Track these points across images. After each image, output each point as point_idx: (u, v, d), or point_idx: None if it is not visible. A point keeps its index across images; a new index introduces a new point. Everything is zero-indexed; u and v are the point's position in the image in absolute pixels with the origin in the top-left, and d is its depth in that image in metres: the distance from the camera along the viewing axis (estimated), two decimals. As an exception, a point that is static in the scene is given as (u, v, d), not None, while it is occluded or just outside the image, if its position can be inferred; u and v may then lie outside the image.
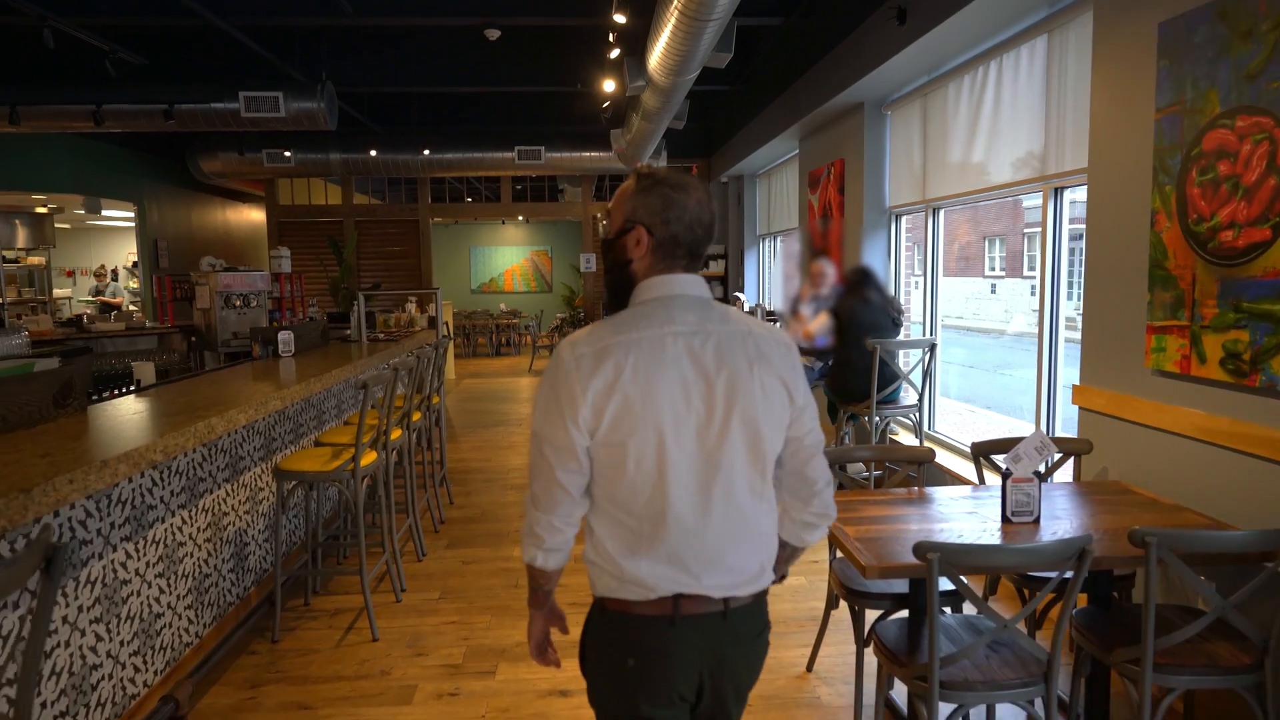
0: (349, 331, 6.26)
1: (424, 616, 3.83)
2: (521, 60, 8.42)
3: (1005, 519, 2.55)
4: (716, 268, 11.06)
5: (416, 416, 4.79)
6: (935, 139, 5.35)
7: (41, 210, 10.19)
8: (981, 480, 3.23)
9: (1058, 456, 3.13)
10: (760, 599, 1.53)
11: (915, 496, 2.90)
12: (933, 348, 4.89)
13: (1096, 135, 3.32)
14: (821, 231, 7.13)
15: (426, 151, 9.54)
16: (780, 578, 1.64)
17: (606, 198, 11.88)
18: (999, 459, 2.85)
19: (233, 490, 3.68)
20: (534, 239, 16.91)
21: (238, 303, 7.72)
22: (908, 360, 5.40)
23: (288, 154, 9.29)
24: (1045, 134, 4.07)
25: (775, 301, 9.97)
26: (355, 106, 9.47)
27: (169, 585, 3.08)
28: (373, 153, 9.46)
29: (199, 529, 3.33)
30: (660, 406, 1.38)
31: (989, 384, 14.02)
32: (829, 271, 5.91)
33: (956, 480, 4.61)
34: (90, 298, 11.38)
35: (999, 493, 2.62)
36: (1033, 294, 26.76)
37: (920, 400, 4.97)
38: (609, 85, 6.75)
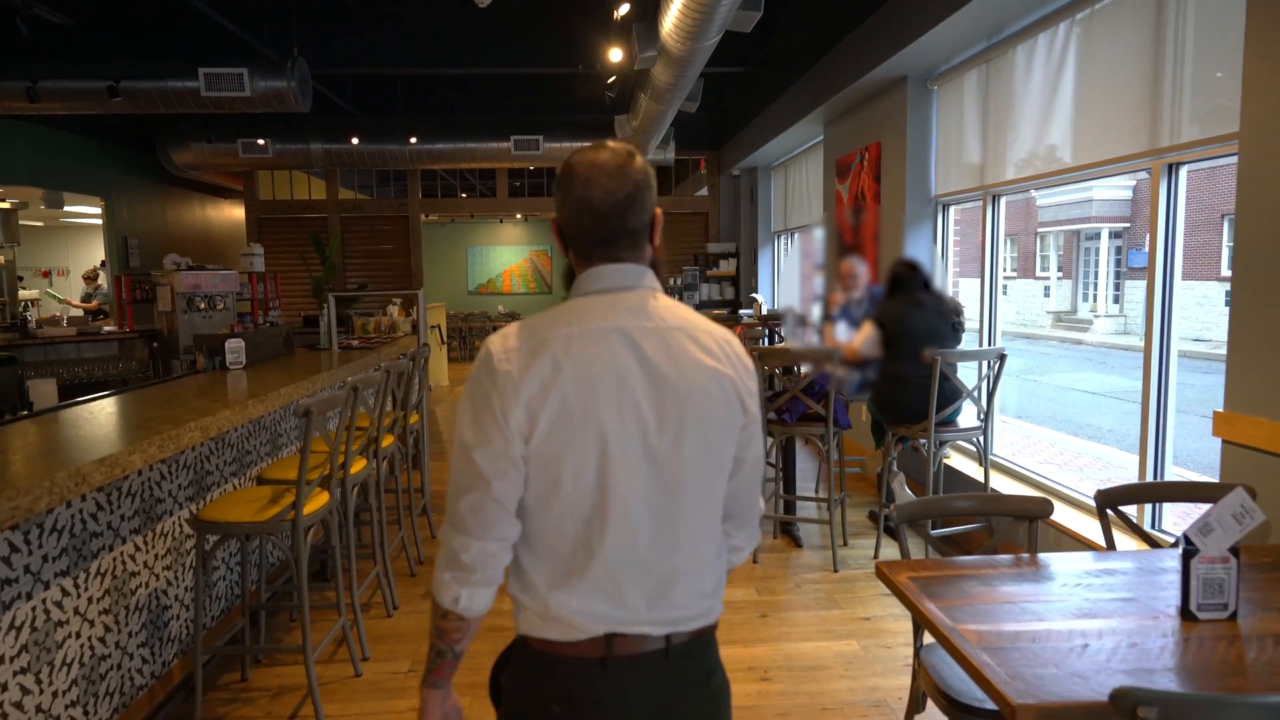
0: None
1: (388, 697, 3.07)
2: (516, 37, 7.67)
3: (1187, 612, 1.79)
4: (727, 267, 10.30)
5: (388, 441, 4.03)
6: (997, 115, 4.59)
7: (4, 205, 9.45)
8: (1110, 543, 2.47)
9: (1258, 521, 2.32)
10: (705, 635, 1.34)
11: (1029, 567, 2.16)
12: (1001, 358, 4.13)
13: (1253, 94, 2.56)
14: (852, 225, 6.36)
15: (414, 140, 8.78)
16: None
17: (610, 192, 11.12)
18: (1165, 525, 2.08)
19: (146, 543, 2.91)
20: (533, 238, 16.18)
21: (202, 305, 6.97)
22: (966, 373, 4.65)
23: (261, 141, 8.53)
24: (1155, 101, 3.31)
25: (790, 303, 9.22)
26: (338, 92, 8.72)
27: (40, 680, 2.31)
28: (354, 141, 8.70)
29: (90, 599, 2.57)
30: (603, 411, 1.22)
31: (1028, 393, 13.25)
32: (861, 271, 5.16)
33: (1058, 531, 3.84)
34: (77, 303, 10.58)
35: (1150, 566, 1.96)
36: (1046, 295, 26.03)
37: (985, 420, 4.20)
38: (616, 55, 5.99)
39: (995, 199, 4.76)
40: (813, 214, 8.08)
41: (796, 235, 9.13)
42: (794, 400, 4.35)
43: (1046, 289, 25.56)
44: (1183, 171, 3.27)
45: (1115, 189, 20.80)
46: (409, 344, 6.53)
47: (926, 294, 4.23)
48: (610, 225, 1.27)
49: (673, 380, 1.24)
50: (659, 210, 1.34)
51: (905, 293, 4.24)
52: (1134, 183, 20.71)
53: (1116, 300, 22.18)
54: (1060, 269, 24.51)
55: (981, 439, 4.21)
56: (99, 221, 9.73)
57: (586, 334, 1.24)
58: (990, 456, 4.43)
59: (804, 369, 4.49)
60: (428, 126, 9.11)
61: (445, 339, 11.69)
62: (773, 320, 7.16)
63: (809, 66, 6.66)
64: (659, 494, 1.25)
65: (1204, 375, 13.74)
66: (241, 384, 3.74)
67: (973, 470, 4.68)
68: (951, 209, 5.43)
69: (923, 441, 4.14)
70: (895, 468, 4.52)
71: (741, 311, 8.68)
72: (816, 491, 5.73)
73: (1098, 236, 21.60)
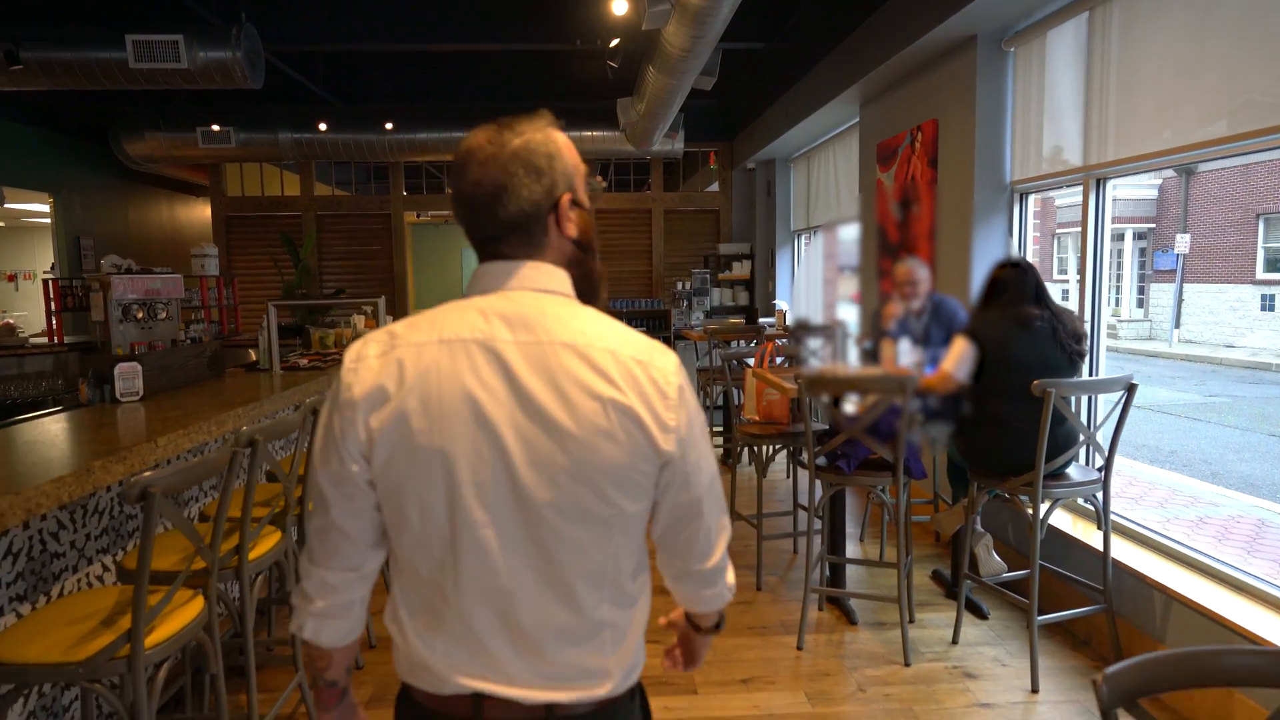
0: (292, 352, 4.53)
1: None
2: (506, 7, 6.70)
3: None
4: (741, 270, 9.32)
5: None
6: (1112, 76, 3.61)
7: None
8: None
9: None
10: (607, 712, 1.13)
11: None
12: (1129, 390, 3.14)
13: None
14: (900, 219, 5.38)
15: (390, 126, 7.80)
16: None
17: (612, 188, 10.15)
18: None
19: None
20: (531, 239, 15.23)
21: (140, 314, 6.00)
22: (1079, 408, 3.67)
23: (216, 128, 7.56)
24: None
25: (812, 310, 8.24)
26: (309, 75, 7.76)
27: None
28: (322, 127, 7.73)
29: None
30: (452, 440, 1.04)
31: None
32: (923, 276, 4.19)
33: (1210, 620, 2.87)
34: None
35: None
36: (1065, 299, 25.06)
37: (1106, 471, 3.22)
38: (620, 6, 5.01)
39: (1101, 184, 3.78)
40: (841, 210, 7.10)
41: (821, 234, 8.14)
42: (851, 443, 3.37)
43: (1065, 292, 24.62)
44: None
45: (1140, 188, 19.82)
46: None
47: (1040, 308, 3.24)
48: (484, 217, 1.10)
49: (548, 409, 1.04)
50: (566, 195, 1.12)
51: (1011, 304, 3.25)
52: (1159, 181, 19.74)
53: (1140, 304, 21.26)
54: (1079, 272, 23.53)
55: (1100, 496, 3.22)
56: (48, 220, 8.77)
57: (443, 345, 1.07)
58: (1117, 517, 3.45)
59: (862, 402, 3.50)
60: (409, 113, 8.15)
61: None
62: (800, 330, 6.18)
63: (843, 36, 5.69)
64: (530, 543, 1.07)
65: (1251, 386, 12.73)
66: (114, 427, 2.76)
67: (1074, 526, 3.69)
68: (1031, 198, 4.45)
69: (1027, 499, 3.15)
70: (979, 527, 3.53)
71: (763, 320, 7.71)
72: (861, 542, 4.75)
73: (1122, 238, 20.60)
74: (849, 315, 6.32)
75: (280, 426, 2.54)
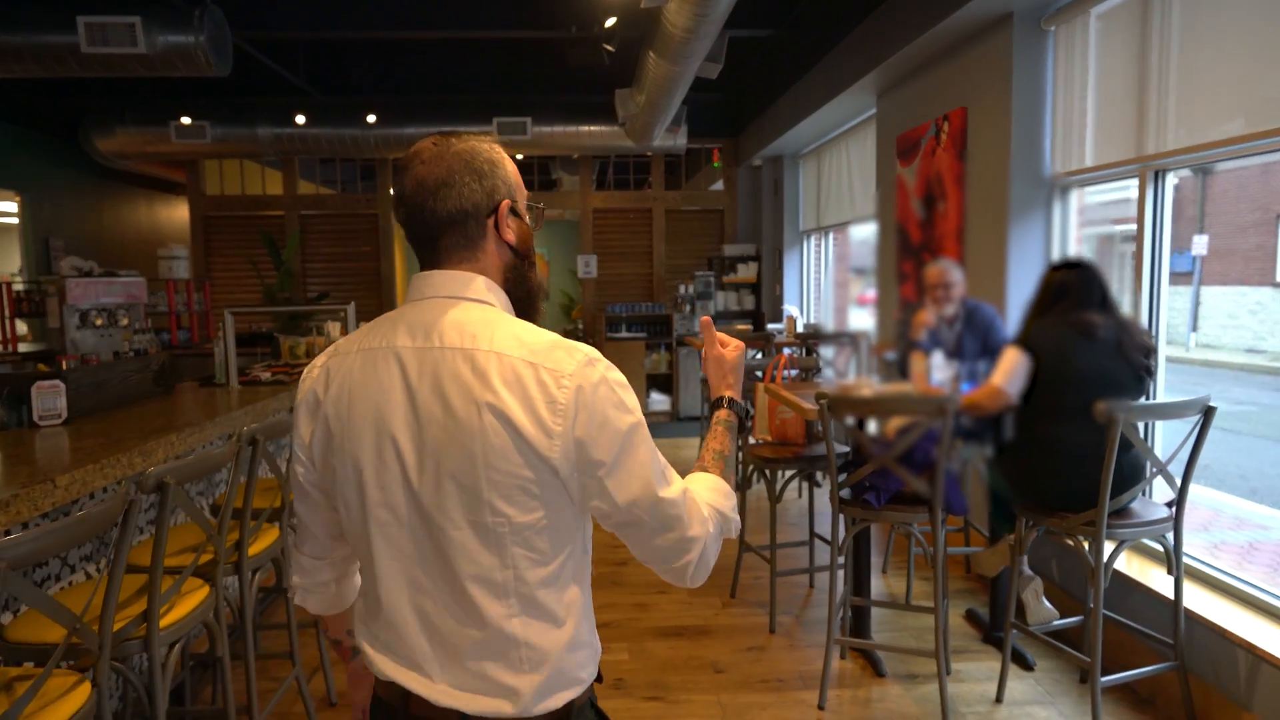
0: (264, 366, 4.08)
1: None
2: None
3: None
4: (746, 273, 8.88)
5: (260, 546, 2.62)
6: (1171, 52, 3.17)
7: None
8: None
9: None
10: None
11: None
12: (1205, 413, 2.69)
13: None
14: (923, 218, 4.94)
15: (372, 118, 7.36)
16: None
17: (611, 187, 9.71)
18: None
19: None
20: (528, 240, 14.82)
21: (98, 321, 5.56)
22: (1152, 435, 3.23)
23: (187, 121, 7.11)
24: None
25: (824, 316, 7.79)
26: (288, 66, 7.33)
27: None
28: (300, 120, 7.27)
29: None
30: (359, 443, 1.11)
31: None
32: (957, 279, 3.75)
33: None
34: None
35: None
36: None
37: (1178, 508, 2.77)
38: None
39: (1160, 176, 3.33)
40: (855, 208, 6.66)
41: (832, 234, 7.70)
42: (881, 472, 2.92)
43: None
44: None
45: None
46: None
47: (1104, 316, 2.79)
48: (419, 217, 1.14)
49: (434, 415, 1.07)
50: (506, 202, 1.17)
51: (1071, 311, 2.81)
52: (1176, 181, 19.24)
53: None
54: (1135, 277, 23.00)
55: (1171, 536, 2.77)
56: (15, 220, 8.33)
57: (361, 354, 1.14)
58: (1192, 562, 3.01)
59: (894, 425, 3.06)
60: (395, 107, 7.71)
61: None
62: (813, 339, 5.74)
63: (859, 20, 5.25)
64: (428, 545, 1.10)
65: (1275, 393, 12.25)
66: (14, 461, 2.31)
67: (1130, 565, 3.24)
68: (1074, 193, 4.00)
69: (1087, 540, 2.70)
70: (1028, 569, 3.08)
71: (771, 326, 7.26)
72: (884, 573, 4.30)
73: (1134, 240, 20.09)
74: (867, 323, 5.88)
75: (203, 462, 2.09)
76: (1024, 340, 2.85)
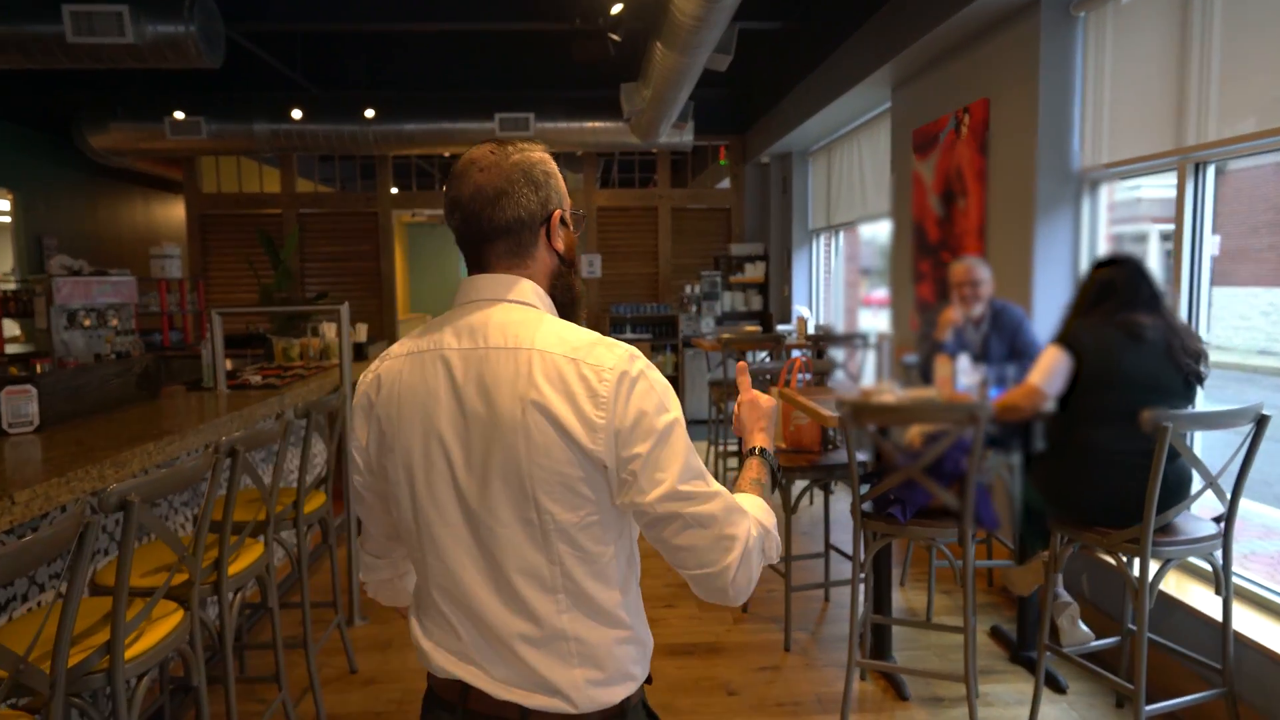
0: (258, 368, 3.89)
1: None
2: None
3: None
4: (754, 272, 8.69)
5: (245, 561, 2.44)
6: (1215, 35, 2.98)
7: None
8: None
9: None
10: None
11: None
12: (1260, 421, 2.50)
13: None
14: (942, 215, 4.74)
15: (370, 113, 7.17)
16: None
17: (616, 185, 9.52)
18: None
19: None
20: (530, 240, 14.65)
21: (86, 321, 5.39)
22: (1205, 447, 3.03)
23: (180, 116, 6.93)
24: None
25: (834, 317, 7.60)
26: (286, 60, 7.15)
27: None
28: (296, 114, 7.09)
29: None
30: (409, 442, 1.15)
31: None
32: (984, 277, 3.58)
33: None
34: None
35: None
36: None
37: (1227, 524, 2.58)
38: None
39: (1202, 169, 3.14)
40: (868, 206, 6.47)
41: (843, 233, 7.51)
42: (908, 485, 2.73)
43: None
44: None
45: (1166, 187, 19.15)
46: (359, 370, 4.92)
47: (1154, 318, 2.61)
48: (476, 224, 1.17)
49: (479, 414, 1.10)
50: (559, 211, 1.21)
51: (1119, 310, 2.63)
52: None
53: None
54: (1173, 277, 22.76)
55: (1220, 554, 2.58)
56: (8, 219, 8.16)
57: (410, 358, 1.18)
58: (1242, 582, 2.82)
59: (918, 434, 2.87)
60: (395, 102, 7.53)
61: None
62: (826, 341, 5.55)
63: (874, 10, 5.07)
64: (474, 542, 1.13)
65: (1290, 395, 12.01)
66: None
67: (1167, 582, 3.04)
68: (1104, 188, 3.81)
69: (1129, 559, 2.51)
70: (1064, 593, 2.88)
71: (781, 328, 7.07)
72: (902, 586, 4.11)
73: (1145, 239, 19.93)
74: (880, 325, 5.69)
75: (157, 486, 1.91)
76: (1065, 339, 2.66)
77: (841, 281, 7.54)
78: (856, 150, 6.68)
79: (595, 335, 1.14)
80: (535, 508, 1.09)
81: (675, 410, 1.13)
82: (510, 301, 1.17)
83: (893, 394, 3.18)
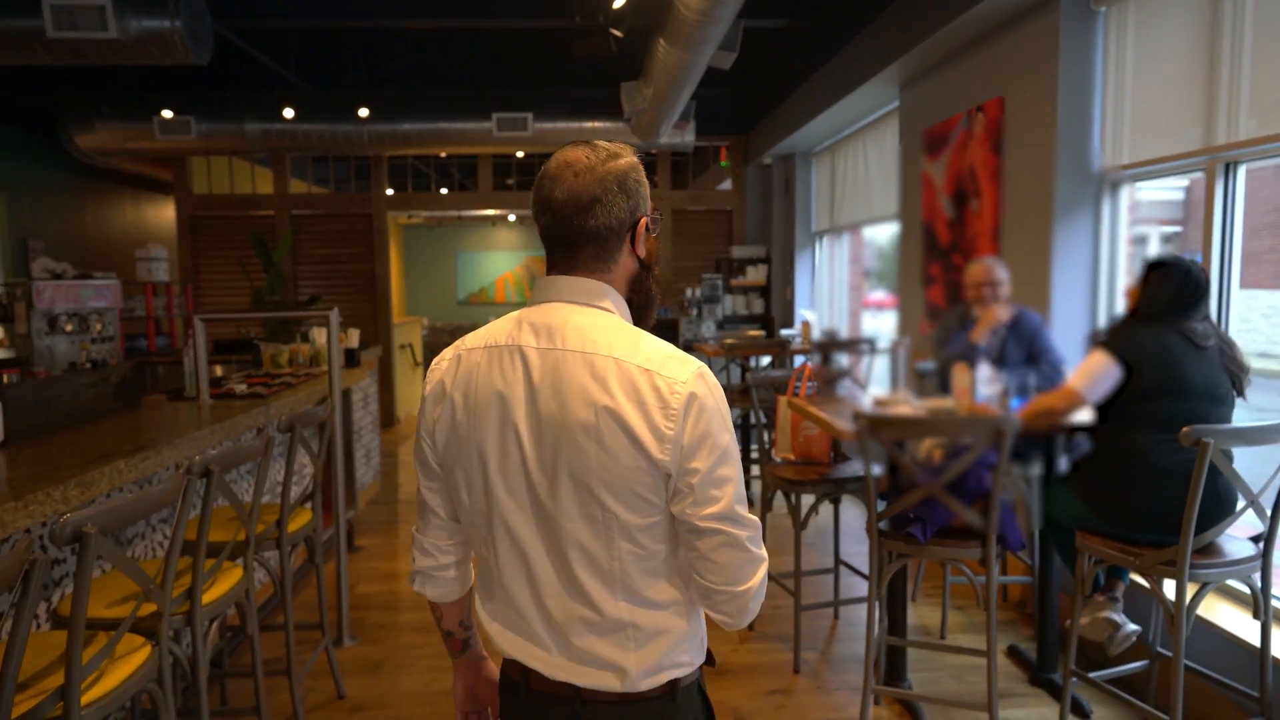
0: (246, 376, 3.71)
1: None
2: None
3: None
4: (756, 275, 8.54)
5: (222, 588, 2.28)
6: (1245, 28, 2.84)
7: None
8: None
9: None
10: (634, 707, 1.20)
11: None
12: (1304, 437, 2.35)
13: None
14: (953, 217, 4.59)
15: (364, 112, 7.01)
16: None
17: (614, 186, 9.33)
18: None
19: None
20: (529, 243, 14.55)
21: (68, 326, 5.23)
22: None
23: (168, 114, 6.76)
24: None
25: (838, 321, 7.45)
26: (278, 58, 7.00)
27: None
28: (288, 113, 6.92)
29: None
30: (485, 432, 1.20)
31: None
32: (1003, 278, 3.45)
33: None
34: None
35: None
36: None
37: (1267, 544, 2.43)
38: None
39: (1232, 169, 2.99)
40: (873, 208, 6.32)
41: (848, 236, 7.36)
42: (929, 503, 2.58)
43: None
44: None
45: (1166, 189, 19.08)
46: (354, 377, 4.77)
47: (1207, 324, 2.47)
48: (568, 227, 1.20)
49: (552, 413, 1.15)
50: (644, 219, 1.25)
51: (1179, 316, 2.49)
52: (1187, 183, 18.97)
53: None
54: None
55: (1259, 576, 2.43)
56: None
57: (489, 350, 1.22)
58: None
59: (939, 448, 2.72)
60: (390, 101, 7.37)
61: (419, 360, 9.95)
62: (833, 347, 5.39)
63: (882, 7, 4.92)
64: (543, 533, 1.19)
65: (1295, 399, 11.89)
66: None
67: (1205, 605, 2.89)
68: (1125, 189, 3.67)
69: (1164, 581, 2.35)
70: (1120, 618, 2.69)
71: (785, 332, 6.91)
72: (914, 601, 3.95)
73: (1145, 241, 19.84)
74: (886, 330, 5.53)
75: (120, 513, 1.74)
76: (1117, 344, 2.50)
77: (845, 285, 7.39)
78: (862, 151, 6.53)
79: (669, 348, 1.18)
80: (600, 507, 1.15)
81: (732, 431, 1.17)
82: (590, 305, 1.21)
83: (908, 404, 3.02)
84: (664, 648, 1.20)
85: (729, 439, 1.16)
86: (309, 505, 3.06)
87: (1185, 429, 2.23)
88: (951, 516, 2.57)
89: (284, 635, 2.82)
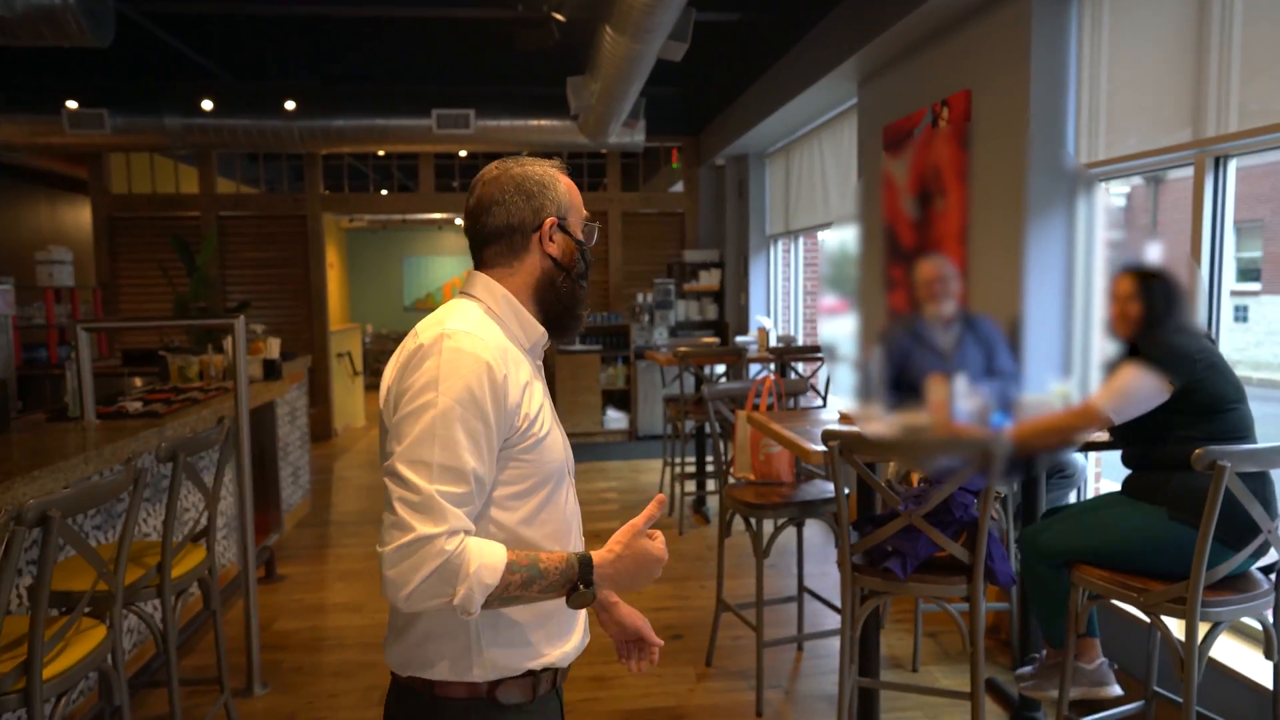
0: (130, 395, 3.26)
1: None
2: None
3: None
4: (709, 280, 8.27)
5: (78, 651, 1.88)
6: (1236, 10, 2.62)
7: None
8: None
9: None
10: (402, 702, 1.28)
11: None
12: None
13: None
14: (917, 217, 4.35)
15: (291, 105, 6.56)
16: None
17: (563, 188, 8.99)
18: None
19: None
20: (476, 247, 14.20)
21: (-47, 337, 4.70)
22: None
23: (74, 105, 6.23)
24: None
25: (794, 327, 7.21)
26: (201, 49, 6.51)
27: None
28: (207, 105, 6.44)
29: None
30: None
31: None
32: (950, 274, 3.22)
33: None
34: None
35: None
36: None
37: (1278, 578, 2.19)
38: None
39: (1222, 163, 2.78)
40: (830, 210, 6.08)
41: (803, 239, 7.13)
42: (910, 534, 2.29)
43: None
44: None
45: (1110, 194, 19.31)
46: (259, 394, 4.35)
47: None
48: (473, 227, 1.32)
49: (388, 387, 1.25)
50: (552, 220, 1.32)
51: (1189, 323, 2.30)
52: (1127, 188, 19.20)
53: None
54: None
55: (1271, 612, 2.19)
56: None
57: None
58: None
59: (915, 471, 2.44)
60: (322, 95, 6.93)
61: (358, 369, 9.47)
62: (790, 354, 5.13)
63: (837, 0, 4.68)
64: None
65: (1257, 403, 12.01)
66: None
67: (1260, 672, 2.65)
68: (1101, 186, 3.45)
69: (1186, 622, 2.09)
70: (1113, 689, 2.43)
71: (740, 339, 6.65)
72: (883, 625, 3.68)
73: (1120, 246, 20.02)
74: (846, 336, 5.29)
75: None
76: (1159, 357, 2.23)
77: (802, 290, 7.15)
78: (818, 150, 6.30)
79: (456, 318, 1.23)
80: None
81: (449, 397, 1.14)
82: (462, 295, 1.32)
83: (879, 420, 2.74)
84: (412, 639, 1.24)
85: (429, 398, 1.14)
86: (203, 542, 2.67)
87: (1198, 451, 1.98)
88: (934, 550, 2.29)
89: (175, 692, 2.43)
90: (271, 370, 4.48)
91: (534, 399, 1.25)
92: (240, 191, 8.93)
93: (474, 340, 1.18)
